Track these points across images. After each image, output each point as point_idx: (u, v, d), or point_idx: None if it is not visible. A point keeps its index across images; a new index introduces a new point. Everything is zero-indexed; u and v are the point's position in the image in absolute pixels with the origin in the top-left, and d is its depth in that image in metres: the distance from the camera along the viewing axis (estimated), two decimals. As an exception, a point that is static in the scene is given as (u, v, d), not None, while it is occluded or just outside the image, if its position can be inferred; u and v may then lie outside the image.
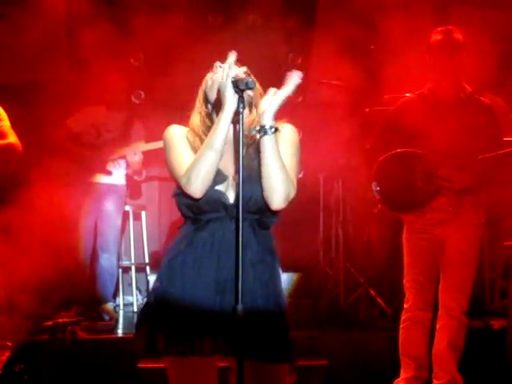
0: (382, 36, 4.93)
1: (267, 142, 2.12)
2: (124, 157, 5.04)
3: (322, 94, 5.68)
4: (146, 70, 5.90)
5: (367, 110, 4.69)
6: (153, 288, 2.25)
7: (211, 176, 2.14)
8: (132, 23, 5.97)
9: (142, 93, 5.86)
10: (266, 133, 2.11)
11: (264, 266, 2.20)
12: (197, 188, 2.12)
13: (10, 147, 4.13)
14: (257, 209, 2.16)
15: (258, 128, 2.13)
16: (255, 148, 2.22)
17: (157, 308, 2.20)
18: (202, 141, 2.23)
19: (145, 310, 2.25)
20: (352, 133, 5.03)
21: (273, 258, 2.25)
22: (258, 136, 2.15)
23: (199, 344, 2.12)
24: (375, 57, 5.28)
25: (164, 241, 5.86)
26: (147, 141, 5.07)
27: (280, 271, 2.27)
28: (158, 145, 4.69)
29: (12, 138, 4.15)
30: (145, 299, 4.90)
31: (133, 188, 5.59)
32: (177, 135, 2.27)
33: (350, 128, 5.10)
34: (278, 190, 2.15)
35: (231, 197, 2.18)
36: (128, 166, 5.10)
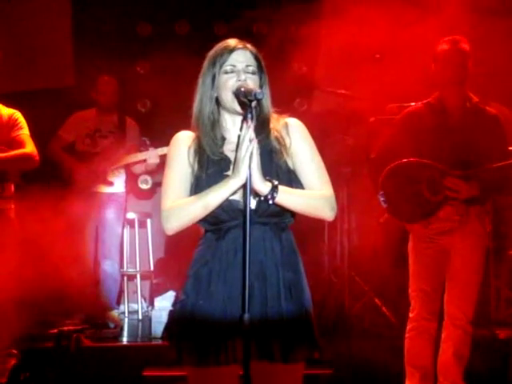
0: (388, 45, 4.94)
1: (281, 201, 2.12)
2: (127, 165, 5.05)
3: (327, 103, 5.70)
4: (153, 78, 5.94)
5: (372, 119, 4.69)
6: (180, 300, 2.24)
7: (191, 223, 2.17)
8: (138, 31, 6.02)
9: (148, 101, 5.90)
10: (273, 198, 2.10)
11: (288, 267, 2.21)
12: (172, 229, 2.16)
13: (26, 157, 4.01)
14: (276, 212, 2.16)
15: (262, 198, 2.11)
16: (267, 151, 2.22)
17: (186, 321, 2.19)
18: (202, 160, 2.23)
19: (174, 322, 2.24)
20: (357, 142, 5.05)
21: (296, 258, 2.25)
22: (267, 198, 2.11)
23: (225, 353, 2.12)
24: (381, 65, 5.29)
25: (169, 249, 5.86)
26: (144, 138, 5.11)
27: (304, 271, 2.27)
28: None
29: (29, 148, 4.03)
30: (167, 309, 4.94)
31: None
32: (177, 152, 2.26)
33: (355, 137, 5.12)
34: (321, 211, 2.20)
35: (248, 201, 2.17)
36: (130, 174, 5.12)
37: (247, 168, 2.04)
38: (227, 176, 2.18)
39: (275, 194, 2.09)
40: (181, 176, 2.23)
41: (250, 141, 2.04)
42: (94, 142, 5.07)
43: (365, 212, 5.07)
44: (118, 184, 5.12)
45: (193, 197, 2.19)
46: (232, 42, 2.27)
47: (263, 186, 2.09)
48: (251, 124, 2.05)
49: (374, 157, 3.71)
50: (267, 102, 2.28)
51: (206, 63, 2.28)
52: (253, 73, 2.23)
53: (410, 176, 3.47)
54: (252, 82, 2.20)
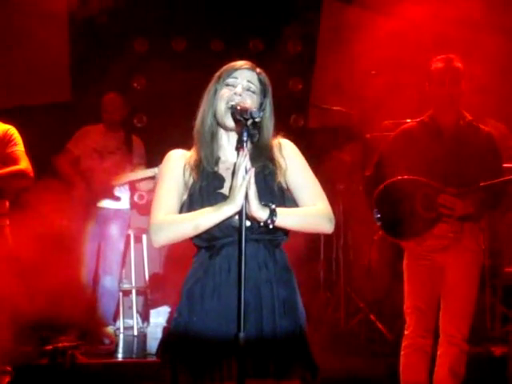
0: (382, 61, 4.98)
1: (280, 224, 2.14)
2: (132, 182, 5.08)
3: (323, 120, 5.74)
4: (149, 94, 5.98)
5: (368, 135, 4.72)
6: (174, 318, 2.25)
7: (180, 240, 2.19)
8: (135, 47, 6.06)
9: (145, 116, 5.94)
10: (272, 222, 2.12)
11: (282, 284, 2.23)
12: (159, 243, 2.18)
13: (20, 173, 3.99)
14: (269, 229, 2.17)
15: (261, 224, 2.12)
16: (262, 172, 2.25)
17: (180, 339, 2.20)
18: (198, 174, 2.25)
19: (168, 341, 2.25)
20: (353, 158, 5.08)
21: (290, 275, 2.27)
22: (267, 223, 2.12)
23: (220, 372, 2.13)
24: (376, 82, 5.32)
25: (165, 264, 5.86)
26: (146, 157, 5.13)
27: (297, 288, 2.29)
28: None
29: (24, 164, 4.00)
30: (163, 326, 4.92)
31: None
32: (171, 168, 2.29)
33: (351, 153, 5.15)
34: (320, 226, 2.24)
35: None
36: (133, 189, 5.14)
37: (243, 197, 2.06)
38: (220, 194, 2.21)
39: (274, 218, 2.11)
40: (173, 191, 2.25)
41: (247, 170, 2.07)
42: (102, 158, 5.09)
43: (360, 229, 5.08)
44: (123, 200, 5.16)
45: (185, 215, 2.20)
46: (241, 62, 2.33)
47: (261, 213, 2.10)
48: (247, 152, 2.08)
49: (369, 174, 3.73)
50: (268, 130, 2.31)
51: (213, 79, 2.33)
52: (253, 92, 2.26)
53: (404, 193, 3.49)
54: (250, 101, 2.23)
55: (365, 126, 5.09)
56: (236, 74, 2.27)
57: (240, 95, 2.23)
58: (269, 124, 2.31)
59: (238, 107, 2.14)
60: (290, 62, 6.02)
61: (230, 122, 2.24)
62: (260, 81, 2.29)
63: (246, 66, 2.29)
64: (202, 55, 5.82)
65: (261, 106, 2.29)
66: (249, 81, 2.26)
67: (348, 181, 5.08)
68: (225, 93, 2.25)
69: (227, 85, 2.26)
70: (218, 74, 2.31)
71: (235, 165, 2.12)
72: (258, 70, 2.32)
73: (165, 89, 5.87)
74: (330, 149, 5.31)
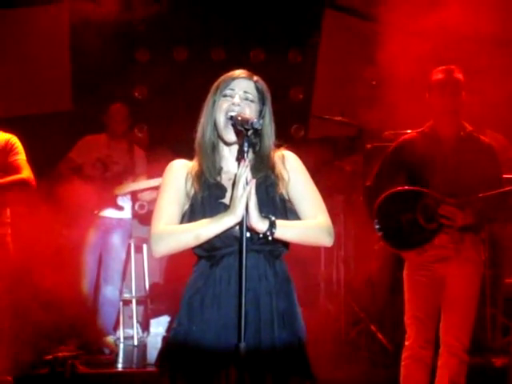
0: (384, 71, 5.00)
1: (279, 236, 2.16)
2: (134, 192, 5.10)
3: (324, 130, 5.75)
4: (150, 103, 6.00)
5: (368, 145, 4.74)
6: (174, 328, 2.26)
7: (180, 250, 2.20)
8: (136, 57, 6.10)
9: (145, 126, 5.96)
10: (272, 234, 2.14)
11: (281, 296, 2.24)
12: (160, 252, 2.19)
13: (22, 182, 4.02)
14: (269, 240, 2.17)
15: (261, 236, 2.14)
16: (264, 184, 2.27)
17: (179, 348, 2.21)
18: (199, 184, 2.26)
19: (167, 350, 2.27)
20: (354, 169, 5.09)
21: (289, 286, 2.29)
22: (266, 234, 2.14)
23: (218, 382, 2.14)
24: (378, 91, 5.35)
25: (165, 274, 5.87)
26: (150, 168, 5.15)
27: (297, 300, 2.30)
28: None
29: (26, 173, 4.04)
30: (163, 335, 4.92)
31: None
32: (173, 178, 2.30)
33: (352, 164, 5.17)
34: (320, 240, 2.25)
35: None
36: (134, 198, 5.16)
37: (244, 208, 2.08)
38: (222, 204, 2.22)
39: (273, 230, 2.13)
40: (174, 200, 2.26)
41: (247, 182, 2.08)
42: (106, 167, 5.11)
43: (361, 239, 5.09)
44: (126, 210, 5.19)
45: (185, 225, 2.21)
46: (238, 71, 2.35)
47: (261, 225, 2.12)
48: (248, 162, 2.10)
49: (369, 184, 3.74)
50: (269, 138, 2.33)
51: (211, 90, 2.35)
52: (251, 101, 2.28)
53: (404, 204, 3.51)
54: (249, 110, 2.25)
55: (366, 136, 5.12)
56: (233, 84, 2.29)
57: (238, 105, 2.25)
58: (269, 131, 2.32)
59: (239, 118, 2.16)
60: (290, 72, 6.05)
61: (231, 136, 2.26)
62: (257, 89, 2.31)
63: (243, 76, 2.31)
64: (203, 65, 5.85)
65: (260, 114, 2.30)
66: (246, 91, 2.28)
67: (348, 191, 5.09)
68: (223, 104, 2.27)
69: (225, 96, 2.28)
70: (215, 84, 2.33)
71: (236, 176, 2.14)
72: (255, 77, 2.33)
73: (166, 99, 5.90)
74: (331, 159, 5.33)
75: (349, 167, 5.18)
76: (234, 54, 5.98)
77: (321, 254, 5.51)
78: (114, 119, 5.23)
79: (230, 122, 2.24)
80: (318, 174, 5.00)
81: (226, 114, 2.25)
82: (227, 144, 2.31)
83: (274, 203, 2.24)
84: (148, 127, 6.10)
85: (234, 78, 2.30)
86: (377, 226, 3.55)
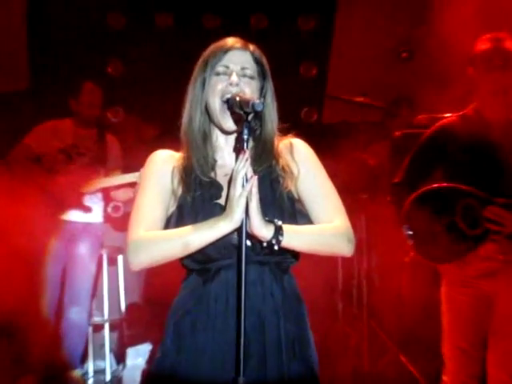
0: (417, 40, 4.99)
1: (287, 245, 2.16)
2: (106, 189, 5.09)
3: (341, 113, 5.75)
4: (127, 82, 6.00)
5: (397, 133, 4.73)
6: (157, 359, 2.26)
7: (164, 262, 2.19)
8: (110, 24, 6.09)
9: (121, 110, 5.95)
10: (278, 242, 2.14)
11: (291, 318, 2.25)
12: (139, 264, 2.18)
13: None
14: (275, 250, 2.18)
15: (265, 245, 2.15)
16: (268, 180, 2.28)
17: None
18: (189, 182, 2.27)
19: None
20: (378, 161, 5.09)
21: (300, 306, 2.30)
22: (271, 243, 2.14)
23: None
24: (408, 67, 5.35)
25: (145, 292, 5.87)
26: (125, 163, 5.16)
27: (308, 323, 2.31)
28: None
29: None
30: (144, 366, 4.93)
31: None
32: (155, 173, 2.32)
33: (376, 155, 5.16)
34: (337, 248, 2.26)
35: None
36: (107, 198, 5.16)
37: (243, 210, 2.08)
38: (217, 205, 2.23)
39: (280, 238, 2.13)
40: (158, 200, 2.27)
41: (247, 178, 2.08)
42: (70, 159, 5.10)
43: (387, 249, 5.07)
44: (95, 212, 5.18)
45: (172, 231, 2.21)
46: (230, 40, 2.34)
47: (265, 231, 2.12)
48: (248, 155, 2.09)
49: (399, 181, 3.75)
50: (272, 120, 2.34)
51: (197, 65, 2.35)
52: (250, 77, 2.29)
53: (441, 205, 3.51)
54: (249, 90, 2.26)
55: (393, 122, 5.11)
56: (226, 58, 2.29)
57: (237, 85, 2.25)
58: (272, 113, 2.34)
59: (237, 98, 2.16)
60: (300, 43, 6.05)
61: (230, 124, 2.27)
62: (256, 61, 2.32)
63: (237, 46, 2.32)
64: (192, 33, 5.84)
65: (261, 93, 2.32)
66: (243, 66, 2.29)
67: (372, 189, 5.09)
68: (217, 84, 2.27)
69: (218, 74, 2.29)
70: (203, 59, 2.33)
71: (234, 171, 2.13)
72: (251, 47, 2.34)
73: (147, 76, 5.89)
74: (350, 150, 5.32)
75: (372, 160, 5.19)
76: (229, 20, 5.97)
77: (338, 267, 5.51)
78: (83, 101, 5.22)
79: (226, 106, 2.25)
80: (334, 167, 5.02)
81: (222, 96, 2.26)
82: (224, 132, 2.32)
83: (281, 203, 2.25)
84: (125, 111, 6.09)
85: (226, 51, 2.30)
86: (407, 233, 3.55)
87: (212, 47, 2.34)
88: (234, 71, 2.27)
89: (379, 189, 4.89)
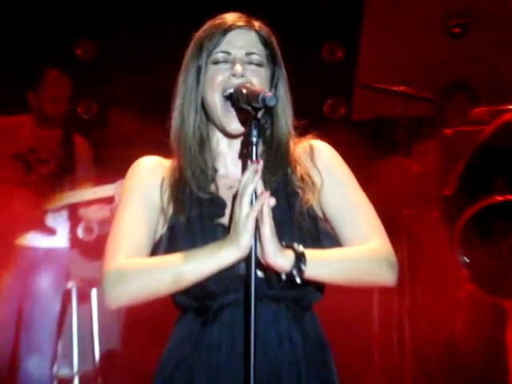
0: (473, 10, 5.01)
1: (312, 276, 2.13)
2: (74, 206, 5.10)
3: (375, 106, 5.76)
4: (101, 67, 6.02)
5: (448, 131, 4.74)
6: None
7: (150, 299, 2.18)
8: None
9: (94, 104, 5.97)
10: (300, 273, 2.11)
11: (314, 369, 2.23)
12: (117, 301, 2.16)
13: None
14: (295, 283, 2.14)
15: (283, 277, 2.12)
16: (284, 193, 2.27)
17: None
18: (183, 198, 2.26)
19: None
20: (424, 167, 5.09)
21: (325, 354, 2.28)
22: (291, 275, 2.13)
23: None
24: (462, 45, 5.36)
25: (125, 336, 5.88)
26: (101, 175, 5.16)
27: (337, 375, 2.30)
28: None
29: None
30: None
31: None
32: (140, 185, 2.32)
33: (421, 160, 5.16)
34: (375, 276, 2.24)
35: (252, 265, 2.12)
36: (75, 217, 5.17)
37: (251, 235, 2.05)
38: (219, 226, 2.22)
39: (303, 267, 2.10)
40: (143, 220, 2.27)
41: (257, 194, 2.06)
42: (29, 168, 5.12)
43: (436, 280, 5.07)
44: (60, 235, 5.17)
45: (160, 259, 2.20)
46: (230, 17, 2.32)
47: (282, 260, 2.09)
48: (256, 165, 2.06)
49: (451, 193, 3.74)
50: (286, 117, 2.33)
51: (189, 50, 2.33)
52: (258, 64, 2.28)
53: (506, 225, 3.51)
54: (257, 80, 2.24)
55: (443, 116, 5.11)
56: (226, 41, 2.28)
57: (242, 76, 2.24)
58: (286, 107, 2.33)
59: (243, 90, 2.14)
60: (322, 17, 6.06)
61: (235, 126, 2.25)
62: (264, 42, 2.32)
63: (240, 24, 2.30)
64: (183, 3, 5.87)
65: (272, 82, 2.32)
66: (249, 51, 2.28)
67: (416, 203, 5.09)
68: (216, 76, 2.26)
69: (216, 62, 2.28)
70: (196, 42, 2.32)
71: (240, 184, 2.11)
72: (257, 24, 2.33)
73: (126, 59, 5.91)
74: (388, 153, 5.33)
75: (416, 165, 5.18)
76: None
77: (373, 302, 5.50)
78: (45, 95, 5.24)
79: (230, 103, 2.24)
80: (367, 175, 5.01)
81: (224, 90, 2.24)
82: (227, 136, 2.32)
83: (301, 223, 2.22)
84: (98, 105, 6.12)
85: (225, 31, 2.28)
86: (463, 259, 3.54)
87: (207, 26, 2.32)
88: (237, 59, 2.26)
89: (425, 203, 4.90)
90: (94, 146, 5.49)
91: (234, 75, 2.24)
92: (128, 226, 2.26)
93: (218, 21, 2.32)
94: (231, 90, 2.22)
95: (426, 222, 4.92)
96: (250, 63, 2.27)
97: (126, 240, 2.23)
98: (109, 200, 4.76)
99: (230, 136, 2.31)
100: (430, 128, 5.30)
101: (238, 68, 2.24)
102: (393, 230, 5.24)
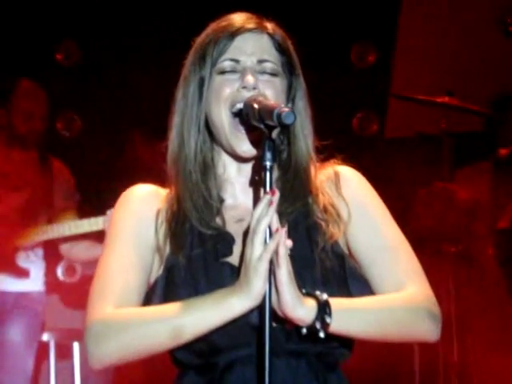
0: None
1: (338, 330, 2.12)
2: (52, 242, 5.13)
3: (414, 121, 5.76)
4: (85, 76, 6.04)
5: (503, 150, 4.75)
6: None
7: (143, 356, 2.18)
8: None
9: (78, 118, 5.99)
10: (324, 326, 2.10)
11: None
12: (103, 358, 2.16)
13: None
14: (317, 337, 2.12)
15: (304, 331, 2.11)
16: (304, 227, 2.27)
17: None
18: (183, 234, 2.27)
19: None
20: (474, 194, 5.08)
21: None
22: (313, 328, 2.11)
23: None
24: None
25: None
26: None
27: None
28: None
29: None
30: None
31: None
32: (132, 218, 2.33)
33: (469, 184, 5.16)
34: (413, 330, 2.24)
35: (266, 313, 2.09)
36: (52, 255, 5.18)
37: (265, 281, 2.04)
38: (227, 265, 2.22)
39: (327, 320, 2.09)
40: (135, 260, 2.27)
41: (272, 231, 2.04)
42: None
43: (490, 333, 5.05)
44: (34, 276, 5.20)
45: (157, 308, 2.19)
46: (237, 18, 2.33)
47: (302, 311, 2.08)
48: (274, 196, 2.03)
49: (507, 225, 3.74)
50: (305, 135, 2.34)
51: (189, 59, 2.34)
52: (272, 74, 2.29)
53: None
54: (271, 92, 2.26)
55: (498, 134, 5.11)
56: (234, 46, 2.29)
57: (254, 88, 2.24)
58: (305, 124, 2.34)
59: (255, 105, 2.13)
60: (351, 14, 6.08)
61: (246, 147, 2.25)
62: (279, 48, 2.33)
63: (250, 27, 2.31)
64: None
65: (289, 95, 2.34)
66: (261, 58, 2.28)
67: (464, 239, 5.08)
68: (222, 87, 2.27)
69: (222, 72, 2.28)
70: (198, 48, 2.33)
71: (252, 219, 2.08)
72: (270, 26, 2.34)
73: (117, 66, 5.94)
74: (429, 177, 5.33)
75: (464, 192, 5.18)
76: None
77: (414, 359, 5.49)
78: (18, 111, 5.27)
79: (239, 121, 2.24)
80: (403, 205, 4.98)
81: (232, 105, 2.25)
82: (236, 159, 2.32)
83: (324, 263, 2.22)
84: (82, 120, 6.15)
85: (232, 35, 2.29)
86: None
87: (210, 30, 2.33)
88: (247, 67, 2.27)
89: (475, 237, 4.88)
90: (75, 168, 5.51)
91: (244, 87, 2.24)
92: (116, 269, 2.26)
93: (223, 23, 2.33)
94: (241, 105, 2.22)
95: (477, 262, 4.90)
96: (263, 73, 2.28)
97: (114, 285, 2.23)
98: (96, 236, 4.77)
99: (240, 160, 2.31)
100: (480, 147, 5.30)
101: (249, 79, 2.25)
102: (435, 271, 5.28)
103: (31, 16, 5.93)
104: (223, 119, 2.26)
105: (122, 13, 5.95)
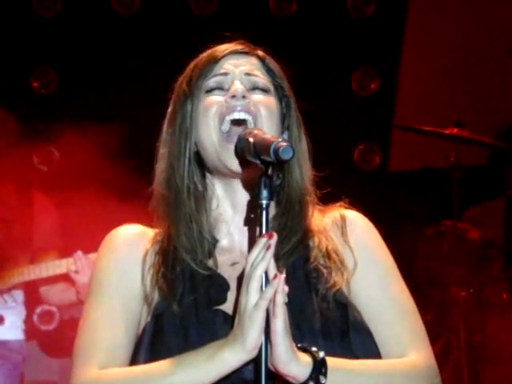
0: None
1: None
2: (31, 284, 5.10)
3: (419, 154, 5.77)
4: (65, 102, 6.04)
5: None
6: None
7: None
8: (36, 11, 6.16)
9: (56, 151, 5.99)
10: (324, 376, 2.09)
11: None
12: None
13: None
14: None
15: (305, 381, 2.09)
16: (302, 274, 2.24)
17: None
18: (173, 278, 2.25)
19: None
20: (485, 234, 5.06)
21: None
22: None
23: None
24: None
25: None
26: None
27: None
28: None
29: None
30: None
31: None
32: (116, 263, 2.31)
33: (480, 223, 5.14)
34: None
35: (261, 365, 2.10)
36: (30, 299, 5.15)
37: (261, 333, 2.03)
38: (219, 313, 2.20)
39: (322, 380, 2.08)
40: (121, 314, 2.26)
41: (269, 278, 2.02)
42: None
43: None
44: (11, 323, 5.17)
45: (145, 367, 2.17)
46: (225, 45, 2.35)
47: (296, 368, 2.07)
48: (272, 238, 2.01)
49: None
50: (301, 167, 2.31)
51: (176, 91, 2.34)
52: (265, 90, 2.30)
53: None
54: (266, 112, 2.26)
55: (509, 167, 5.11)
56: (219, 68, 2.31)
57: (243, 97, 2.24)
58: (301, 154, 2.33)
59: (250, 139, 2.11)
60: (353, 38, 6.10)
61: (236, 165, 2.22)
62: (270, 72, 2.35)
63: (237, 49, 2.34)
64: (176, 18, 5.92)
65: (283, 123, 2.33)
66: (250, 72, 2.29)
67: (476, 282, 5.05)
68: (210, 105, 2.26)
69: (210, 90, 2.29)
70: (182, 79, 2.35)
71: (247, 262, 2.07)
72: (260, 52, 2.35)
73: (98, 94, 5.94)
74: (436, 216, 5.33)
75: (474, 232, 5.15)
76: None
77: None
78: None
79: (228, 137, 2.23)
80: (409, 245, 4.98)
81: (221, 120, 2.24)
82: (227, 182, 2.30)
83: (325, 311, 2.20)
84: (60, 150, 6.12)
85: (219, 58, 2.31)
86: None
87: (198, 60, 2.36)
88: (235, 77, 2.29)
89: (488, 281, 4.87)
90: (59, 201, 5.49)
91: (233, 96, 2.25)
92: (101, 325, 2.25)
93: (209, 50, 2.35)
94: (231, 117, 2.24)
95: (490, 307, 4.89)
96: (255, 88, 2.30)
97: (100, 343, 2.23)
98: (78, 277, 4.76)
99: (231, 176, 2.28)
100: (490, 182, 5.31)
101: (238, 87, 2.26)
102: (444, 317, 5.27)
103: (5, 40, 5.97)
104: (212, 136, 2.28)
105: (101, 38, 6.00)
